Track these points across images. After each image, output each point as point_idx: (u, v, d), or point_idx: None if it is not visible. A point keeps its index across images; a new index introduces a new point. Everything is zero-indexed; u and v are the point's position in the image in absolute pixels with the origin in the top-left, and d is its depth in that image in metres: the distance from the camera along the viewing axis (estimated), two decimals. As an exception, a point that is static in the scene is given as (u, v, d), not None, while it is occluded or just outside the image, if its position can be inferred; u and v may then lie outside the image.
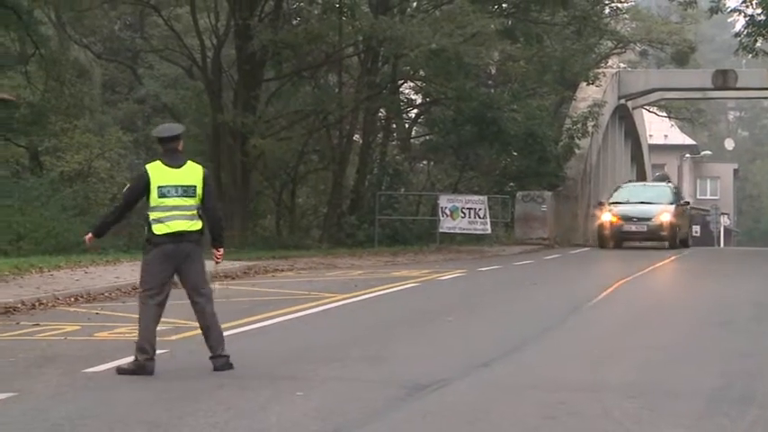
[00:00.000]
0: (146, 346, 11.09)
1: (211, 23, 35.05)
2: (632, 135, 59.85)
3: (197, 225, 11.21)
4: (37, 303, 16.81)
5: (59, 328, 14.27)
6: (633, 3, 56.18)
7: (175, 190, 11.11)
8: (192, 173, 11.23)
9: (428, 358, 12.14)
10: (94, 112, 37.77)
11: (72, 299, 17.61)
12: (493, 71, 44.79)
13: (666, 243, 35.51)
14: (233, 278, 22.73)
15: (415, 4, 38.53)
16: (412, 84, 41.60)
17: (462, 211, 35.08)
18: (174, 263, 11.18)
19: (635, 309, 17.71)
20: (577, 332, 14.72)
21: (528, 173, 40.49)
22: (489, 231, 35.55)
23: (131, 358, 11.85)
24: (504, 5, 38.97)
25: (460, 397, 9.93)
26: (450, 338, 14.01)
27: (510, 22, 37.54)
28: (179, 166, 11.20)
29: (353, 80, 37.68)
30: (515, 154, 40.83)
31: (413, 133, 45.10)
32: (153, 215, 11.07)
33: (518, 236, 38.66)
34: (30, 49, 34.15)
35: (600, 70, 44.40)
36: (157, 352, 12.26)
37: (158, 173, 11.14)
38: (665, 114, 67.90)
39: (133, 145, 38.63)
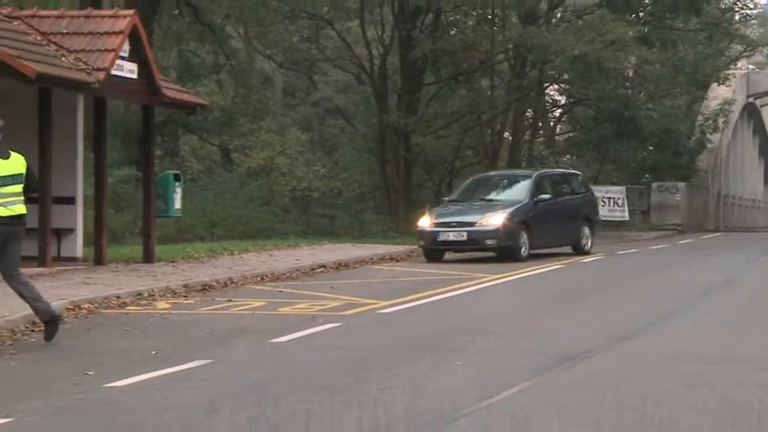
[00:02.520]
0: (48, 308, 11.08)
1: (378, 35, 35.21)
2: (760, 130, 58.31)
3: (25, 208, 11.22)
4: (229, 282, 17.12)
5: (248, 304, 14.48)
6: (762, 9, 54.56)
7: (12, 179, 11.06)
8: (18, 162, 11.18)
9: (574, 332, 12.00)
10: (276, 114, 38.33)
11: (259, 278, 17.87)
12: (630, 74, 44.03)
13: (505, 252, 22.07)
14: (398, 260, 22.82)
15: (559, 14, 38.12)
16: (556, 86, 41.15)
17: (602, 201, 34.74)
18: (5, 241, 11.13)
19: (765, 289, 17.19)
20: (713, 309, 14.35)
21: (663, 165, 40.10)
22: (627, 218, 35.11)
23: (310, 330, 11.99)
24: (640, 14, 38.27)
25: (604, 367, 9.79)
26: (593, 314, 13.83)
27: (646, 30, 36.79)
28: (6, 157, 11.14)
29: (504, 84, 37.47)
30: (651, 148, 40.36)
31: (557, 130, 44.64)
32: None
33: (654, 222, 38.22)
34: (221, 60, 34.90)
35: (730, 72, 43.23)
36: (332, 325, 12.41)
37: None
38: (790, 111, 65.87)
39: (309, 143, 39.11)
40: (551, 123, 43.90)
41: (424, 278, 18.30)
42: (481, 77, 37.36)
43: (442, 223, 22.47)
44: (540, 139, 41.97)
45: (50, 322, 11.05)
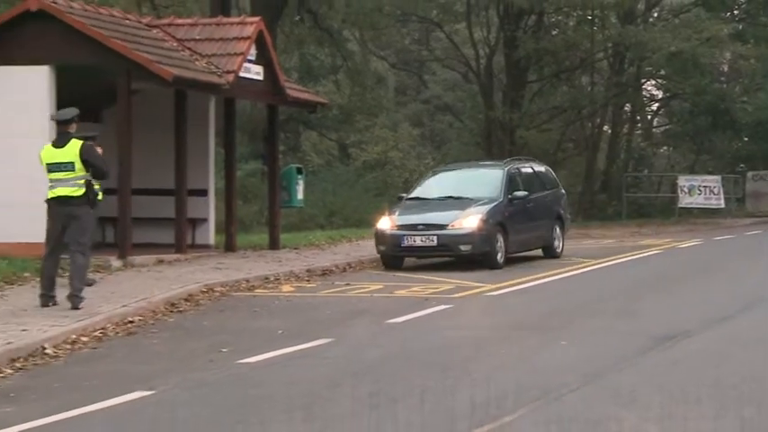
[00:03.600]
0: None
1: (484, 36, 35.05)
2: None
3: (78, 191, 11.33)
4: (347, 267, 17.23)
5: (366, 287, 14.55)
6: None
7: (56, 166, 11.36)
8: (71, 152, 11.35)
9: (673, 313, 11.80)
10: (389, 111, 38.41)
11: (375, 263, 17.91)
12: (725, 69, 43.04)
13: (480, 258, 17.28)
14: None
15: (656, 14, 37.49)
16: (653, 81, 40.48)
17: (699, 189, 34.13)
18: (60, 221, 11.37)
19: None
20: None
21: (757, 155, 39.36)
22: (723, 206, 34.34)
23: (423, 312, 12.00)
24: (735, 12, 37.40)
25: (703, 346, 9.61)
26: (691, 297, 13.57)
27: (741, 27, 35.98)
28: (62, 146, 11.39)
29: (603, 80, 37.02)
30: (746, 139, 39.53)
31: (654, 123, 43.95)
32: (49, 184, 11.49)
33: (749, 209, 37.39)
34: (339, 62, 35.11)
35: (823, 65, 41.89)
36: (444, 307, 12.40)
37: (47, 153, 11.49)
38: None
39: (420, 138, 39.12)
40: (649, 116, 43.21)
41: (530, 262, 18.15)
42: (581, 75, 36.98)
43: (406, 225, 17.36)
44: (638, 131, 41.37)
45: (69, 297, 11.29)
